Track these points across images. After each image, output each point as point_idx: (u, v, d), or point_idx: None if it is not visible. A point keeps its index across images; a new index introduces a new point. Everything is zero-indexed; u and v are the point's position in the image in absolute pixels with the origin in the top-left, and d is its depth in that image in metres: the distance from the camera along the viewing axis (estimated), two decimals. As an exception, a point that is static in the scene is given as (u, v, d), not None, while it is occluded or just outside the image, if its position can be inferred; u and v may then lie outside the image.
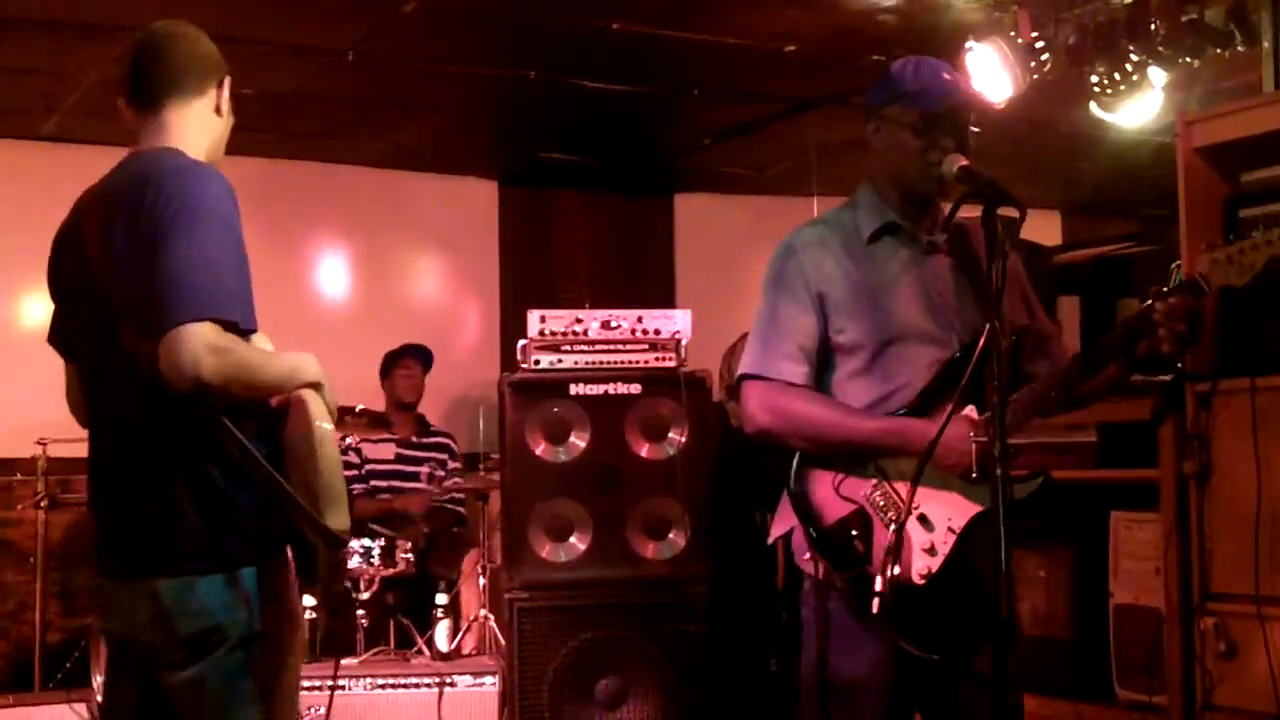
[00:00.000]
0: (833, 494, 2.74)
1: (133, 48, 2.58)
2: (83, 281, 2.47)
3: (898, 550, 2.60)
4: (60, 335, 2.62)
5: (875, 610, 2.59)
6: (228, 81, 2.61)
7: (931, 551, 2.66)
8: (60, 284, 2.60)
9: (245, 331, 2.35)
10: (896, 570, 2.59)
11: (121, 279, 2.37)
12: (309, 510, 2.34)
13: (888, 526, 2.67)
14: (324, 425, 2.38)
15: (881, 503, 2.71)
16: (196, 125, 2.56)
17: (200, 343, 2.25)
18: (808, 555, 2.76)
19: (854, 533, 2.69)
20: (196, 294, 2.28)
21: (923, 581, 2.64)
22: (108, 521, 2.51)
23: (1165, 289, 2.63)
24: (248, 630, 2.38)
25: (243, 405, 2.37)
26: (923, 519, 2.67)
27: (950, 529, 2.66)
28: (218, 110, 2.59)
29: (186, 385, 2.26)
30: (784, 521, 2.83)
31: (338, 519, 2.37)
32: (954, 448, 2.62)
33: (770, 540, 2.89)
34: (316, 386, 2.47)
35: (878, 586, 2.59)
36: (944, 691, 2.76)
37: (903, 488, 2.68)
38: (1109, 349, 2.71)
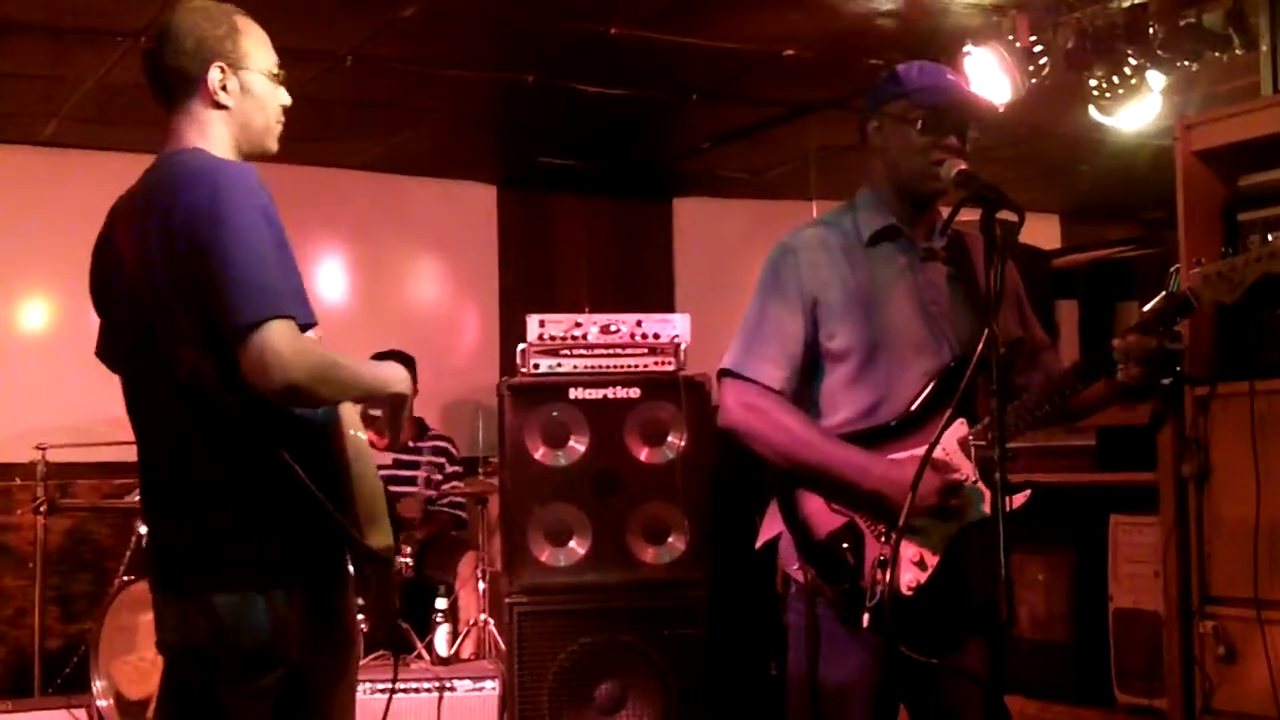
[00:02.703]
0: (824, 506, 2.72)
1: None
2: (120, 291, 2.38)
3: (894, 563, 2.62)
4: (107, 346, 2.52)
5: (866, 624, 2.60)
6: (215, 70, 2.44)
7: (921, 565, 2.66)
8: (100, 295, 2.50)
9: (305, 325, 2.26)
10: (888, 578, 2.60)
11: (161, 287, 2.29)
12: (350, 531, 2.27)
13: (879, 540, 2.67)
14: (359, 435, 2.29)
15: (873, 516, 2.70)
16: (204, 124, 2.44)
17: (281, 342, 2.18)
18: (796, 565, 2.74)
19: (845, 545, 2.68)
20: (260, 294, 2.20)
21: (910, 593, 2.65)
22: (158, 536, 2.42)
23: (1131, 325, 2.62)
24: (301, 649, 2.31)
25: (288, 420, 2.30)
26: (911, 530, 2.66)
27: (940, 539, 2.67)
28: (213, 103, 2.44)
29: (277, 387, 2.19)
30: (771, 527, 2.82)
31: (379, 538, 2.29)
32: (901, 494, 2.55)
33: (758, 545, 2.86)
34: (404, 400, 2.40)
35: (869, 601, 2.60)
36: (930, 689, 2.77)
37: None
38: (1090, 370, 2.68)
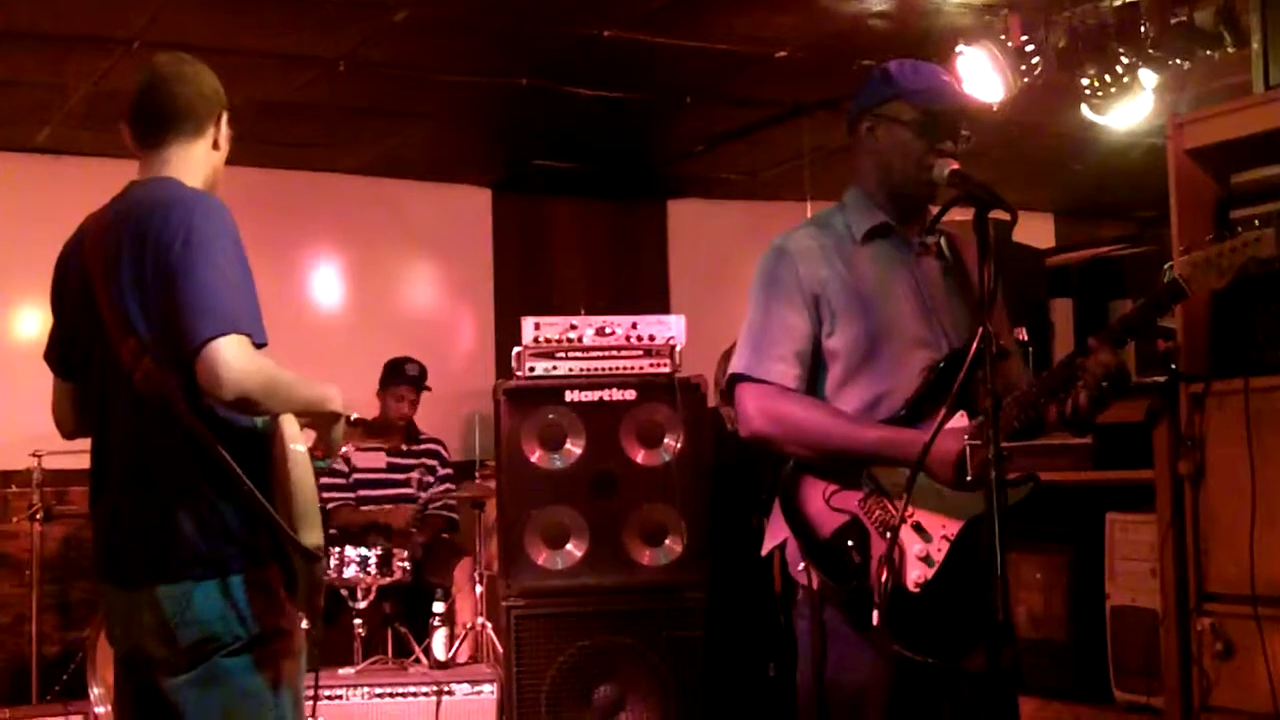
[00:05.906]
0: (825, 506, 2.71)
1: (139, 84, 2.67)
2: (84, 302, 2.57)
3: (892, 559, 2.60)
4: (58, 353, 2.72)
5: (876, 622, 2.58)
6: (225, 116, 2.73)
7: (927, 560, 2.63)
8: (62, 303, 2.70)
9: (259, 345, 2.46)
10: (893, 580, 2.58)
11: (127, 304, 2.48)
12: (284, 527, 2.46)
13: (883, 536, 2.64)
14: (296, 448, 2.51)
15: (876, 513, 2.68)
16: (197, 161, 2.68)
17: (237, 355, 2.38)
18: (802, 566, 2.72)
19: (850, 544, 2.67)
20: (222, 312, 2.41)
21: (918, 590, 2.62)
22: (110, 532, 2.61)
23: (1091, 343, 2.59)
24: (245, 633, 2.49)
25: (228, 425, 2.49)
26: (918, 528, 2.65)
27: (945, 537, 2.64)
28: (215, 145, 2.72)
29: (229, 397, 2.39)
30: (777, 533, 2.80)
31: (311, 535, 2.50)
32: (946, 460, 2.58)
33: (764, 552, 2.85)
34: (337, 418, 2.63)
35: (878, 599, 2.58)
36: (945, 697, 2.73)
37: (898, 501, 2.65)
38: (1046, 388, 2.65)
